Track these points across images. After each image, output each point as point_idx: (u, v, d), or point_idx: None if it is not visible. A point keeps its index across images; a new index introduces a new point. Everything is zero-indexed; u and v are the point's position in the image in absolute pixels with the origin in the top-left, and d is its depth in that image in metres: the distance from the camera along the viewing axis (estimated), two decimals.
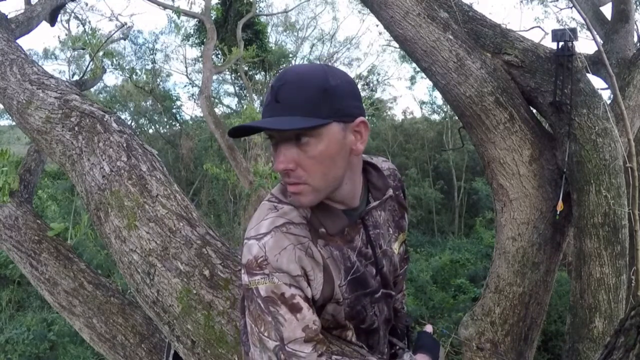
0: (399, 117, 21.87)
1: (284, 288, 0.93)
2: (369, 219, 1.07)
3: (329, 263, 0.99)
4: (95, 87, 13.23)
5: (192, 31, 14.51)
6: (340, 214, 1.01)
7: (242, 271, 0.97)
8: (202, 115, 12.24)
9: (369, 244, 1.06)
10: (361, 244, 1.05)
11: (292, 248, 0.94)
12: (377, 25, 16.91)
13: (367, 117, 1.00)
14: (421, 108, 20.95)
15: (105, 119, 1.85)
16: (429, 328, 1.28)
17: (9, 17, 3.08)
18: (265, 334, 0.95)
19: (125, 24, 9.47)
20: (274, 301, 0.94)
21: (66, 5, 6.11)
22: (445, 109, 18.66)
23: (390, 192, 1.10)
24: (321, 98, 0.89)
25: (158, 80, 17.45)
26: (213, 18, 11.15)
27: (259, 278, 0.94)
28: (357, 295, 1.05)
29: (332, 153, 0.92)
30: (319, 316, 1.01)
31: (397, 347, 1.24)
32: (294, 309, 0.94)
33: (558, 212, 2.12)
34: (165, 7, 10.55)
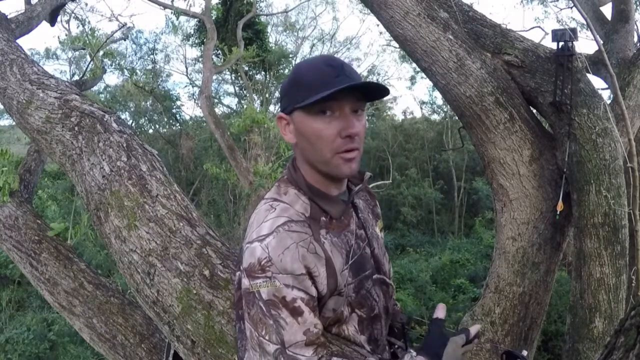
0: (399, 117, 21.83)
1: (285, 291, 0.94)
2: (357, 203, 1.16)
3: (332, 253, 1.02)
4: (95, 87, 13.20)
5: (192, 31, 14.50)
6: (337, 199, 1.08)
7: (243, 275, 0.98)
8: (202, 115, 12.24)
9: (360, 225, 1.13)
10: (355, 227, 1.11)
11: (295, 247, 0.95)
12: (378, 25, 16.93)
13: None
14: (421, 108, 20.94)
15: (105, 119, 1.85)
16: (440, 311, 1.14)
17: (9, 17, 3.08)
18: (266, 337, 0.95)
19: (125, 24, 9.47)
20: (275, 304, 0.94)
21: (66, 6, 6.11)
22: (445, 109, 18.62)
23: (367, 176, 1.17)
24: None
25: (158, 80, 17.43)
26: (213, 18, 11.14)
27: (261, 281, 0.94)
28: (360, 278, 1.08)
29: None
30: (320, 313, 1.01)
31: (396, 346, 1.23)
32: (295, 312, 0.94)
33: (558, 212, 2.12)
34: (165, 6, 10.53)
